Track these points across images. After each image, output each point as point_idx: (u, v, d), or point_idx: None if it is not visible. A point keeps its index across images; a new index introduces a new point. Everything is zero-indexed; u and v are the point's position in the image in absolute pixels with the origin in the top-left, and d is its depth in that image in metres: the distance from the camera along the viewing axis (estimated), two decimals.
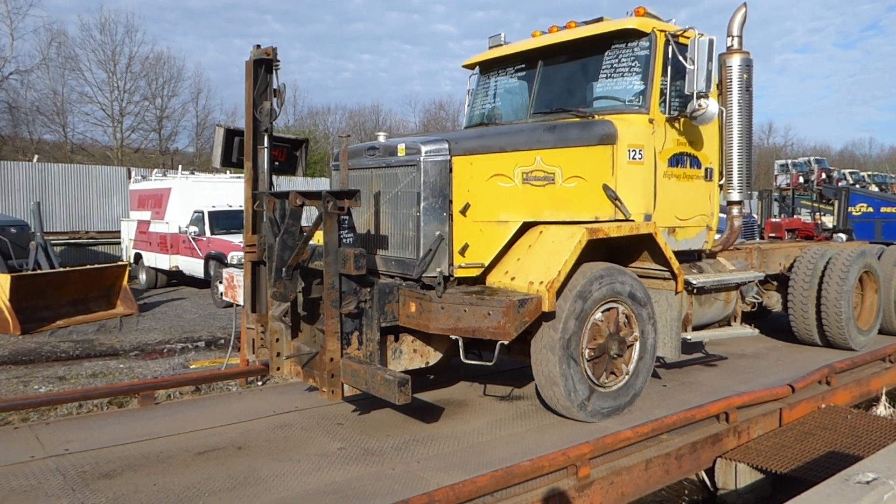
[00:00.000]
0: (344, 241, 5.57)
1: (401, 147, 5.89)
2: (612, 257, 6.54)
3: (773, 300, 9.22)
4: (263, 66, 6.71)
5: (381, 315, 5.72)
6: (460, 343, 5.69)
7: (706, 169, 7.27)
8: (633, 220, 6.49)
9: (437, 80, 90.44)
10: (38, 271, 13.90)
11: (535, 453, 4.99)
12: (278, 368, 6.28)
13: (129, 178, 23.11)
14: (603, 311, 5.99)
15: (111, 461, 5.21)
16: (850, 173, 39.82)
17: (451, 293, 5.62)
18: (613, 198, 6.43)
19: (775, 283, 9.36)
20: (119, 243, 23.14)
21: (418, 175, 5.70)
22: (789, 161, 43.24)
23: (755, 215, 23.85)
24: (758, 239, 18.47)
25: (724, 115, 7.37)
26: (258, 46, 6.75)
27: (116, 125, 42.95)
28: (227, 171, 20.39)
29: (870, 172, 45.35)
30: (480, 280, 6.04)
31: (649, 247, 6.51)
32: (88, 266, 14.86)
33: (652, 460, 5.35)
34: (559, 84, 7.24)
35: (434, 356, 6.25)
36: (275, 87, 6.82)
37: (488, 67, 7.97)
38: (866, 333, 9.10)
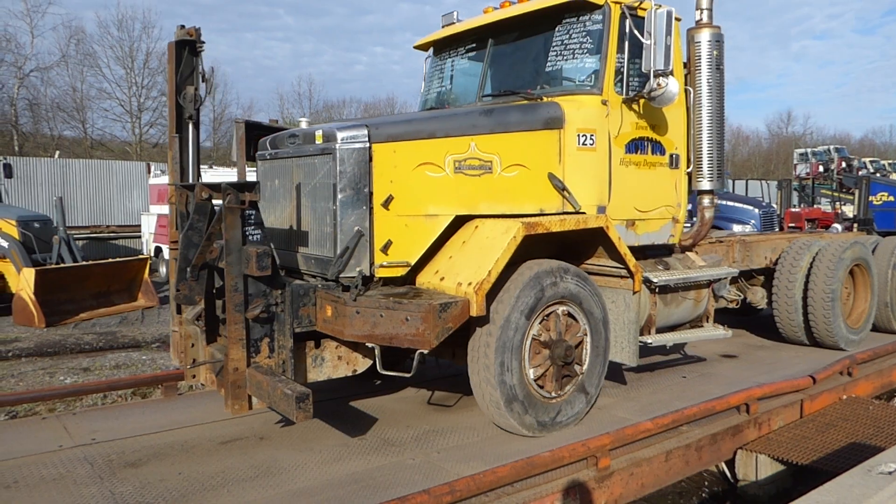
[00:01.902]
0: (250, 238, 4.92)
1: (318, 134, 5.22)
2: (565, 254, 5.85)
3: (758, 296, 8.38)
4: (187, 48, 6.10)
5: (295, 320, 5.06)
6: (377, 352, 5.02)
7: (671, 155, 6.47)
8: (583, 213, 5.76)
9: None
10: (62, 265, 13.66)
11: (554, 444, 4.90)
12: (194, 376, 5.66)
13: (149, 172, 23.02)
14: (544, 318, 5.32)
15: (137, 450, 5.19)
16: (871, 162, 38.55)
17: (369, 296, 4.94)
18: (560, 188, 5.69)
19: (762, 277, 8.55)
20: (139, 237, 22.91)
21: (334, 164, 5.02)
22: (808, 150, 41.93)
23: (774, 205, 23.11)
24: (777, 230, 17.66)
25: (693, 95, 6.58)
26: (182, 27, 6.13)
27: (135, 121, 42.73)
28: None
29: (890, 161, 43.81)
30: (410, 280, 5.36)
31: (604, 242, 5.76)
32: (110, 259, 14.67)
33: (672, 451, 5.23)
34: (510, 64, 6.50)
35: (363, 363, 5.57)
36: (202, 71, 6.22)
37: (441, 48, 7.23)
38: (857, 332, 8.24)
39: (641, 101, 6.06)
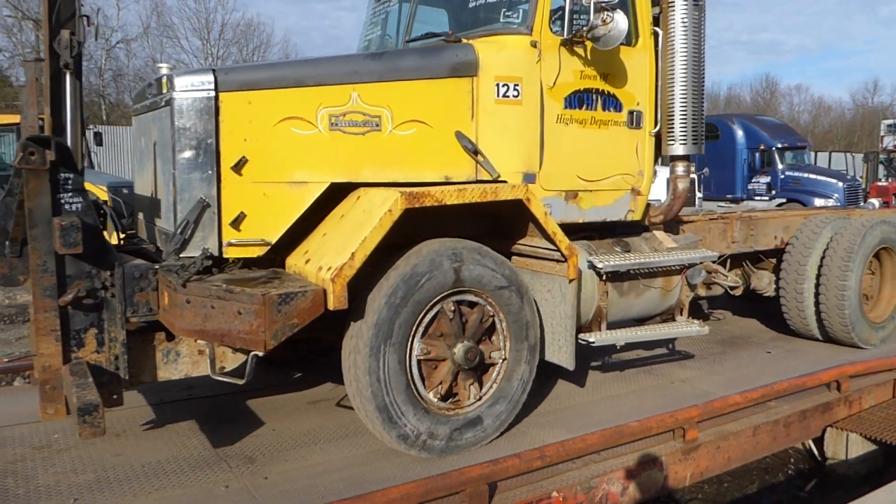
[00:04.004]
0: (67, 207, 3.90)
1: (164, 81, 4.13)
2: (497, 232, 4.66)
3: (765, 282, 6.88)
4: None
5: (130, 307, 4.03)
6: (209, 351, 3.95)
7: (631, 112, 5.06)
8: (503, 182, 4.49)
9: None
10: None
11: (636, 415, 4.72)
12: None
13: None
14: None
15: (230, 407, 5.19)
16: None
17: (205, 280, 3.85)
18: (471, 150, 4.42)
19: (772, 261, 7.04)
20: None
21: (172, 118, 3.93)
22: None
23: (860, 179, 21.21)
24: (861, 204, 16.10)
25: (663, 38, 5.16)
26: None
27: None
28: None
29: None
30: (280, 262, 4.25)
31: (531, 218, 4.49)
32: None
33: (760, 427, 5.05)
34: (438, 4, 5.24)
35: (232, 359, 4.50)
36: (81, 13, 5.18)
37: None
38: (880, 328, 6.61)
39: (589, 43, 4.70)
